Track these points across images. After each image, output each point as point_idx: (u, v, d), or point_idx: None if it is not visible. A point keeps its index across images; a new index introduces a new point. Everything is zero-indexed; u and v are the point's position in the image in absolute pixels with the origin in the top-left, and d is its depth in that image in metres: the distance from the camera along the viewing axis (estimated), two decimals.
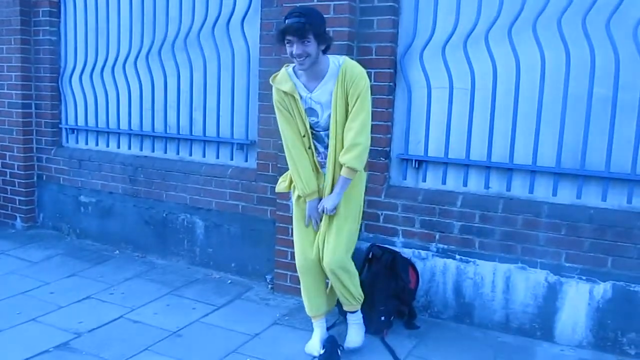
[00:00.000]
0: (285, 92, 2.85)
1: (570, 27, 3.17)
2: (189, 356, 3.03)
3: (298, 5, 3.01)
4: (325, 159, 2.94)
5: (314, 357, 3.04)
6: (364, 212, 3.68)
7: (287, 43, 2.68)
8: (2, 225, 5.40)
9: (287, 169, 3.04)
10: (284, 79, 2.86)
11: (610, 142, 3.15)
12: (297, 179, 2.94)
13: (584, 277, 3.21)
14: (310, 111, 2.89)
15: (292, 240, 3.25)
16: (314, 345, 3.10)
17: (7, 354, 2.97)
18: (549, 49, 3.23)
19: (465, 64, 3.45)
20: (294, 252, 3.50)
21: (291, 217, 3.17)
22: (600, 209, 3.21)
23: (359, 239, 3.66)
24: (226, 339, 3.25)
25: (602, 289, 3.18)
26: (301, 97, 2.86)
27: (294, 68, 2.88)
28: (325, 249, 2.94)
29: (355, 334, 3.18)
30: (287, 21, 2.66)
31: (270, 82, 2.89)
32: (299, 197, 3.00)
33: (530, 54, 3.28)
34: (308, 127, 2.89)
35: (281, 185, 3.12)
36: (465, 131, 3.51)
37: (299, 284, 3.42)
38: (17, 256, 4.57)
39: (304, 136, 2.90)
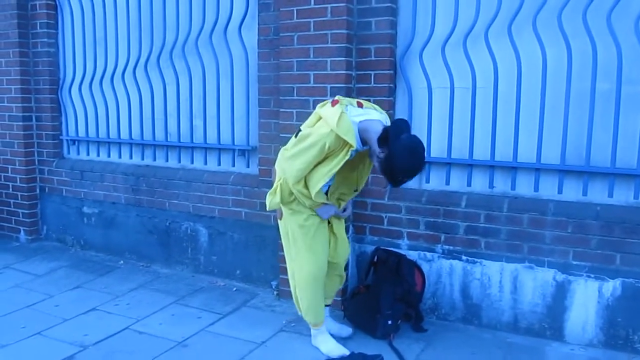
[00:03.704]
0: (347, 145, 2.75)
1: (571, 22, 3.13)
2: None
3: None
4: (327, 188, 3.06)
5: (344, 355, 3.05)
6: (367, 215, 3.68)
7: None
8: (6, 239, 5.39)
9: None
10: (351, 133, 2.72)
11: (615, 137, 3.11)
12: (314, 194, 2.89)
13: (592, 275, 3.17)
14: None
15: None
16: (338, 346, 3.13)
17: None
18: (550, 44, 3.20)
19: (466, 62, 3.41)
20: None
21: None
22: (606, 206, 3.17)
23: (363, 242, 3.65)
24: (233, 347, 3.22)
25: (612, 286, 3.14)
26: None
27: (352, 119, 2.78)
28: (340, 248, 3.21)
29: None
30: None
31: (335, 129, 2.69)
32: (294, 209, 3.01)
33: (531, 51, 3.25)
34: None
35: (274, 202, 3.02)
36: (467, 131, 3.48)
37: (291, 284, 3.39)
38: (21, 269, 4.56)
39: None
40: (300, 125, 2.99)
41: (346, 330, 3.35)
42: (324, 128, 2.73)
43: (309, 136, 2.77)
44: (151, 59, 4.58)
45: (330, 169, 2.79)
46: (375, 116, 2.84)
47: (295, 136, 2.91)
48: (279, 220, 3.16)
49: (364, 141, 2.81)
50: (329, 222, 3.14)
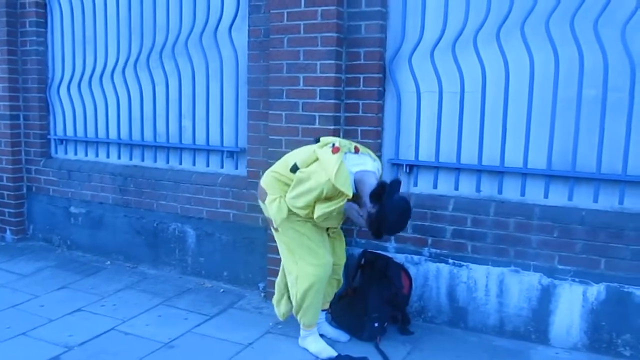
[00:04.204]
0: (343, 194, 2.86)
1: (559, 29, 3.17)
2: None
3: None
4: None
5: (332, 357, 3.07)
6: None
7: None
8: None
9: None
10: (347, 184, 2.83)
11: (600, 143, 3.14)
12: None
13: (577, 279, 3.20)
14: None
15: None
16: (326, 347, 3.17)
17: None
18: (537, 51, 3.23)
19: (455, 67, 3.44)
20: None
21: None
22: (592, 211, 3.20)
23: (351, 245, 3.66)
24: (219, 349, 3.22)
25: (596, 290, 3.17)
26: None
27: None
28: (338, 249, 3.32)
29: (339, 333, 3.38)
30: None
31: (333, 180, 2.78)
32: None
33: (519, 57, 3.28)
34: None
35: (280, 217, 3.06)
36: (455, 135, 3.50)
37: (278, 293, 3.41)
38: (6, 269, 4.52)
39: None
40: (289, 152, 3.14)
41: (344, 336, 3.37)
42: (322, 176, 2.82)
43: (307, 180, 2.88)
44: (140, 59, 4.57)
45: (328, 207, 2.90)
46: (369, 166, 2.97)
47: (292, 171, 2.98)
48: (274, 232, 3.19)
49: (355, 188, 2.91)
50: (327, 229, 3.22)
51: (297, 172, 2.93)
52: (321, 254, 3.08)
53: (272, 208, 3.06)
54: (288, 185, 3.00)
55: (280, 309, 3.40)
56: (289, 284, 3.19)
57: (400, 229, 2.98)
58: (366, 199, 2.84)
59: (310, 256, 3.06)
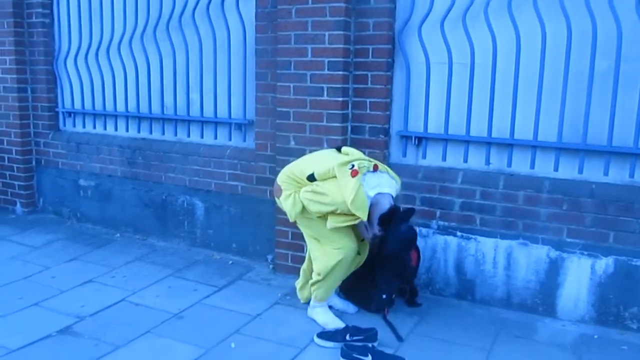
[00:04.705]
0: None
1: None
2: (190, 338, 3.03)
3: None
4: None
5: (339, 328, 3.08)
6: None
7: None
8: (3, 211, 5.39)
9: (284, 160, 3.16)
10: (363, 209, 2.87)
11: (612, 115, 3.10)
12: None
13: (585, 253, 3.20)
14: None
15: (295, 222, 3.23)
16: (334, 318, 3.20)
17: (10, 339, 2.97)
18: (549, 21, 3.17)
19: (465, 38, 3.39)
20: (295, 232, 3.53)
21: None
22: (602, 184, 3.18)
23: None
24: (228, 319, 3.25)
25: (604, 264, 3.16)
26: None
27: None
28: (363, 245, 3.30)
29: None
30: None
31: (349, 205, 2.83)
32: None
33: (531, 28, 3.22)
34: None
35: (295, 212, 3.07)
36: (465, 107, 3.46)
37: (300, 263, 3.44)
38: (18, 241, 4.57)
39: None
40: (306, 154, 3.25)
41: (352, 307, 3.40)
42: (339, 197, 2.86)
43: (324, 195, 2.93)
44: (147, 31, 4.53)
45: (341, 223, 3.00)
46: (386, 187, 2.97)
47: (309, 179, 3.00)
48: (297, 224, 3.23)
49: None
50: None
51: (314, 184, 2.97)
52: (345, 240, 3.09)
53: (287, 203, 3.09)
54: (303, 185, 3.05)
55: (303, 292, 3.43)
56: (313, 261, 3.22)
57: (398, 257, 3.20)
58: (375, 221, 2.92)
59: (334, 242, 3.09)
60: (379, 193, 2.93)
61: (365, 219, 2.88)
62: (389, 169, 3.12)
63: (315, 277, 3.19)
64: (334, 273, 3.11)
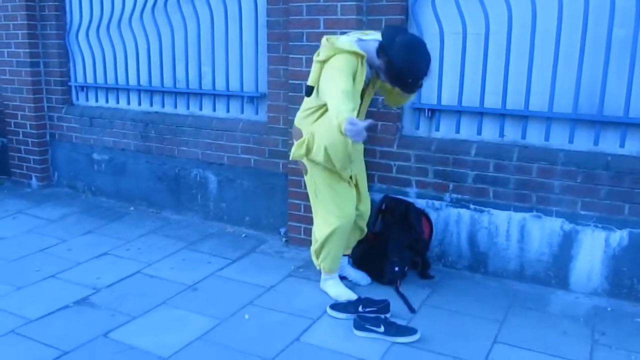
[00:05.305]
0: (359, 57, 2.78)
1: None
2: (205, 309, 3.07)
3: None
4: None
5: (352, 300, 3.10)
6: (376, 163, 3.67)
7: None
8: (19, 185, 5.45)
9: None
10: (350, 44, 2.77)
11: (629, 86, 3.05)
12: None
13: (600, 225, 3.18)
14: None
15: (306, 194, 3.24)
16: (347, 290, 3.21)
17: (29, 309, 3.03)
18: None
19: (480, 7, 3.33)
20: (307, 205, 3.52)
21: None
22: (617, 156, 3.14)
23: (372, 190, 3.65)
24: (241, 291, 3.29)
25: (619, 236, 3.14)
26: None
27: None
28: (363, 203, 3.28)
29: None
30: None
31: (338, 48, 2.74)
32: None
33: None
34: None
35: (298, 153, 3.01)
36: (479, 78, 3.42)
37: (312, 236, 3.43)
38: (34, 215, 4.63)
39: None
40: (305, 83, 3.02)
41: (366, 278, 3.41)
42: (331, 58, 2.75)
43: (330, 69, 2.76)
44: (158, 4, 4.50)
45: (356, 88, 2.78)
46: (372, 38, 2.85)
47: (307, 94, 2.94)
48: (305, 176, 3.18)
49: (370, 65, 2.84)
50: (350, 178, 3.16)
51: (314, 94, 2.89)
52: (345, 207, 3.08)
53: (296, 145, 3.04)
54: (315, 112, 2.96)
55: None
56: (314, 226, 3.22)
57: (419, 68, 2.72)
58: (376, 61, 2.77)
59: (334, 207, 3.07)
60: (362, 40, 2.83)
61: (359, 51, 2.74)
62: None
63: (314, 244, 3.21)
64: (331, 241, 3.11)
